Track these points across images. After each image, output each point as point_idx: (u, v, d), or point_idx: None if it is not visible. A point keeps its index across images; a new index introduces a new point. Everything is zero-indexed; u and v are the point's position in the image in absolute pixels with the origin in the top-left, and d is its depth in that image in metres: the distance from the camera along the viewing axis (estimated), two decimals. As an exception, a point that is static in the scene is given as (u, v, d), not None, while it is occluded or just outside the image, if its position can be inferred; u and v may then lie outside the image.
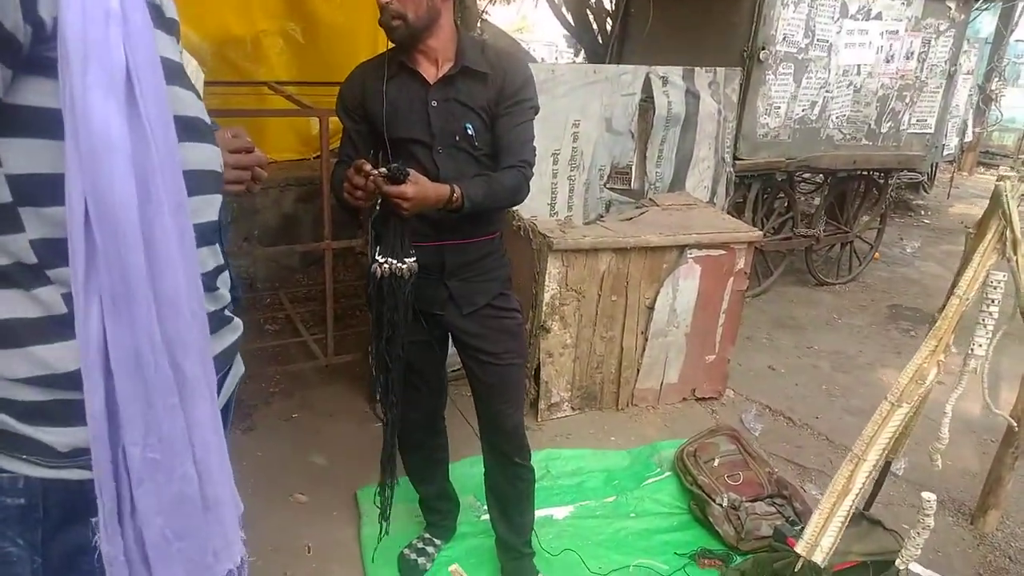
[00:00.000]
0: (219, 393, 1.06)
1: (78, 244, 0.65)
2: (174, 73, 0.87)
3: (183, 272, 0.73)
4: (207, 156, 0.96)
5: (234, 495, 0.87)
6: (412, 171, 1.63)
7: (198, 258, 0.93)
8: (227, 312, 1.07)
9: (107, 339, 0.68)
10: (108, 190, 0.63)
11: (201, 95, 2.13)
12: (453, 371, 2.70)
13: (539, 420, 3.16)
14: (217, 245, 1.02)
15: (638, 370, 3.29)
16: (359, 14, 4.63)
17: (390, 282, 1.71)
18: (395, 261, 1.70)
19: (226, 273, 1.09)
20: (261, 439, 2.96)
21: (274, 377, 3.41)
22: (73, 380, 0.74)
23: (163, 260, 0.69)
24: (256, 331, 3.94)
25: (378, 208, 1.68)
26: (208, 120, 1.01)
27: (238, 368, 1.14)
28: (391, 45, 1.78)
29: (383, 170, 1.59)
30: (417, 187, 1.62)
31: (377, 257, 1.72)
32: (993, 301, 1.63)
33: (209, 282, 0.98)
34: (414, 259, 1.72)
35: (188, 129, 0.90)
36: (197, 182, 0.92)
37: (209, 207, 0.97)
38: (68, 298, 0.76)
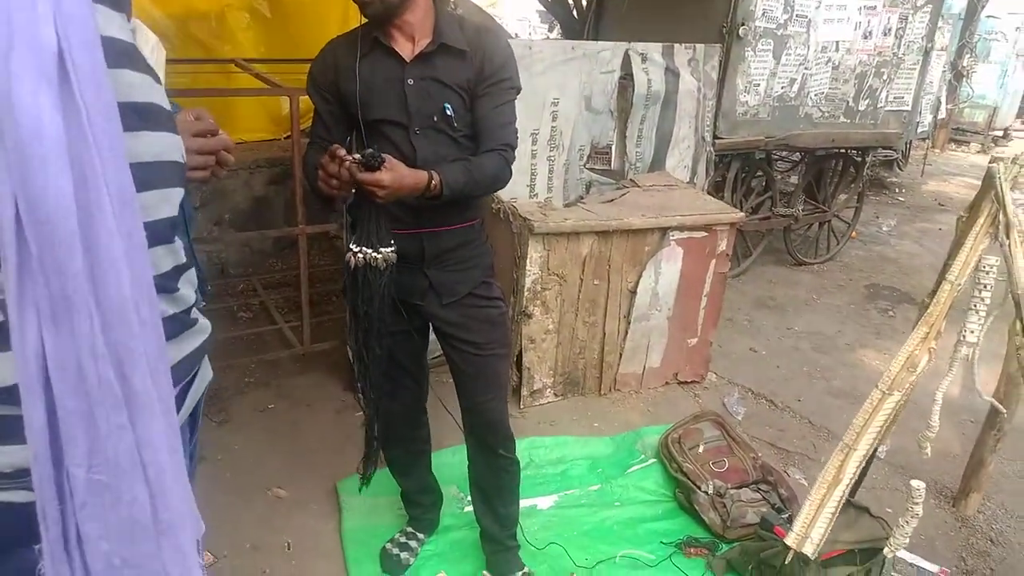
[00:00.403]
0: (184, 402, 0.99)
1: (9, 250, 0.58)
2: (122, 54, 0.79)
3: (129, 277, 0.66)
4: (164, 146, 0.88)
5: (193, 517, 0.80)
6: (388, 157, 1.56)
7: (151, 259, 0.86)
8: (192, 314, 0.99)
9: (46, 351, 0.61)
10: (41, 190, 0.55)
11: (162, 75, 2.01)
12: (434, 358, 2.64)
13: (521, 407, 3.12)
14: (177, 242, 0.94)
15: (620, 355, 3.25)
16: (329, -11, 4.49)
17: (364, 272, 1.65)
18: (370, 250, 1.64)
19: (191, 271, 1.01)
20: (237, 431, 2.88)
21: (249, 366, 3.32)
22: (12, 395, 0.67)
23: (106, 265, 0.62)
24: (229, 319, 3.84)
25: (353, 195, 1.61)
26: (167, 105, 0.92)
27: (205, 373, 1.07)
28: (364, 20, 1.69)
29: (357, 156, 1.51)
30: (393, 174, 1.55)
31: (352, 246, 1.65)
32: (985, 286, 1.60)
33: (167, 283, 0.91)
34: (391, 248, 1.66)
35: (140, 116, 0.82)
36: (151, 175, 0.84)
37: (165, 202, 0.89)
38: (3, 306, 0.69)
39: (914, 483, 1.67)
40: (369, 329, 1.72)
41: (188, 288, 0.98)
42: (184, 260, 0.97)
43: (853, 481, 1.69)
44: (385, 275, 1.66)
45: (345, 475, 2.59)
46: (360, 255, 1.64)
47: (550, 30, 8.12)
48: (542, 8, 6.60)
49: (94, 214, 0.60)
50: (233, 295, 4.12)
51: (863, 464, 1.72)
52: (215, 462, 2.68)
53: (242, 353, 3.40)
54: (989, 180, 1.59)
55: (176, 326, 0.92)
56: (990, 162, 1.60)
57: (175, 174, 0.91)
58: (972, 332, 1.60)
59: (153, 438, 0.71)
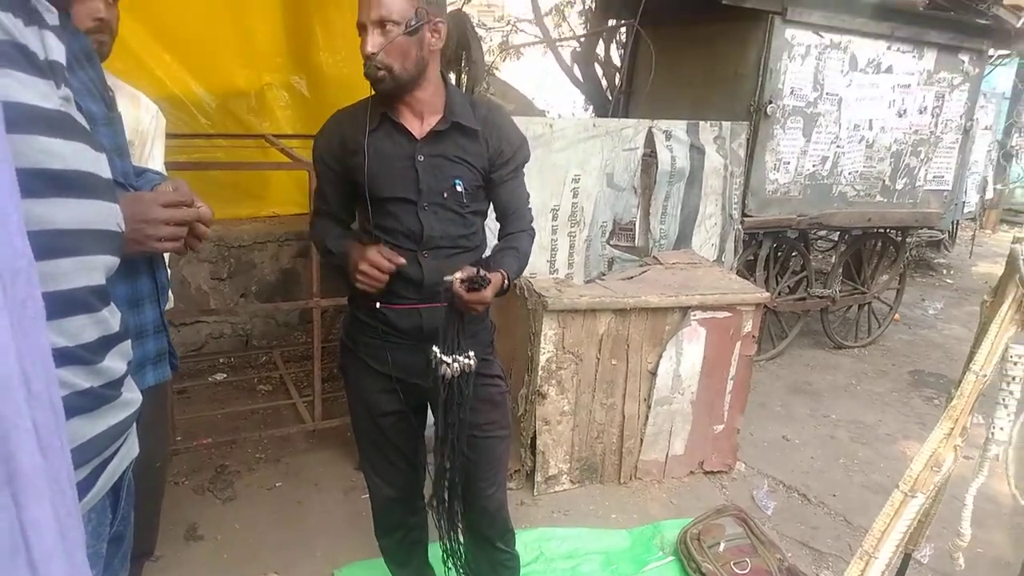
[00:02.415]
0: (97, 481, 0.92)
1: None
2: (40, 121, 0.77)
3: (15, 350, 0.61)
4: (90, 214, 0.85)
5: None
6: (487, 275, 1.60)
7: (63, 329, 0.81)
8: (120, 388, 0.94)
9: None
10: None
11: (161, 141, 2.04)
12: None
13: (535, 494, 2.97)
14: (105, 312, 0.89)
15: (641, 440, 3.09)
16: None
17: (459, 381, 1.65)
18: (462, 358, 1.65)
19: (125, 344, 0.96)
20: (241, 509, 2.80)
21: (261, 442, 3.27)
22: None
23: None
24: (248, 392, 3.82)
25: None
26: (105, 174, 0.90)
27: (130, 449, 1.01)
28: (373, 93, 1.70)
29: (460, 276, 1.57)
30: (492, 287, 1.61)
31: (442, 356, 1.64)
32: (1014, 379, 1.46)
33: (86, 355, 0.86)
34: (473, 353, 1.67)
35: (60, 184, 0.80)
36: (70, 243, 0.81)
37: (88, 270, 0.85)
38: None
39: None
40: (460, 437, 1.71)
41: (118, 360, 0.93)
42: (116, 331, 0.92)
43: (877, 593, 1.51)
44: (472, 378, 1.67)
45: (344, 562, 2.48)
46: (456, 364, 1.64)
47: (585, 110, 8.27)
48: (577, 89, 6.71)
49: None
50: (254, 367, 4.11)
51: (893, 572, 1.55)
52: (214, 541, 2.60)
53: (256, 428, 3.37)
54: (1013, 262, 1.47)
55: (91, 400, 0.87)
56: (1013, 242, 1.48)
57: (103, 243, 0.88)
58: (1002, 429, 1.44)
59: (39, 519, 0.65)
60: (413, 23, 1.58)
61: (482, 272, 1.58)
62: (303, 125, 4.69)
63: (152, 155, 1.92)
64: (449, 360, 1.63)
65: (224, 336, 4.20)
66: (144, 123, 1.88)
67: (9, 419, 0.61)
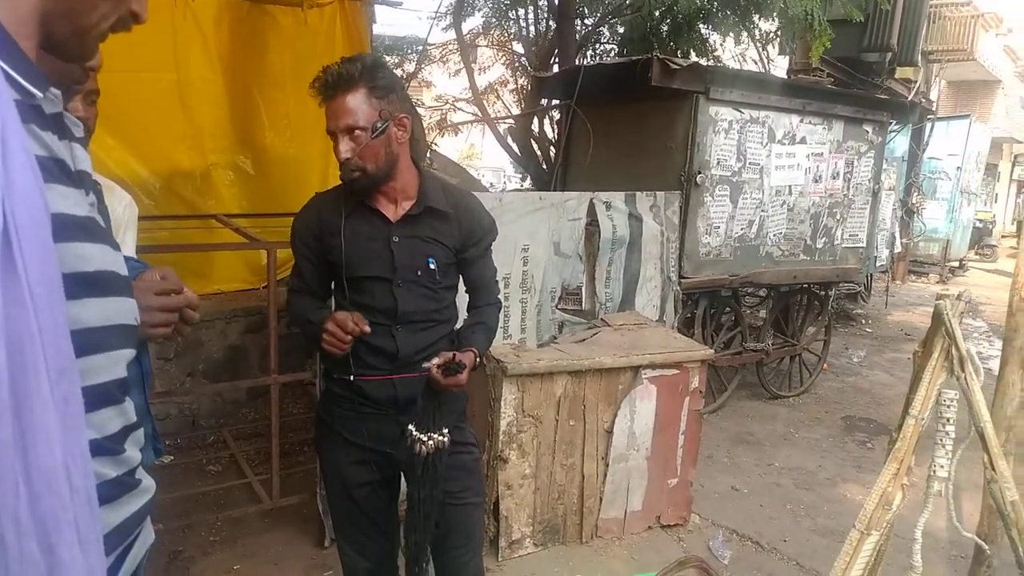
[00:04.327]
0: (121, 568, 0.95)
1: None
2: (77, 228, 0.83)
3: (61, 445, 0.66)
4: (114, 311, 0.90)
5: None
6: (461, 359, 1.70)
7: (93, 423, 0.85)
8: (136, 475, 0.98)
9: None
10: None
11: (134, 230, 2.07)
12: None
13: (500, 559, 2.99)
14: (127, 402, 0.94)
15: (601, 498, 3.17)
16: (310, 146, 4.73)
17: (433, 458, 1.73)
18: (437, 435, 1.72)
19: (139, 431, 1.00)
20: (198, 597, 2.71)
21: (215, 524, 3.18)
22: None
23: (38, 433, 0.62)
24: (197, 473, 3.72)
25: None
26: (123, 271, 0.95)
27: (146, 537, 1.03)
28: None
29: (436, 362, 1.67)
30: (468, 368, 1.72)
31: (417, 434, 1.72)
32: (948, 420, 1.63)
33: (113, 446, 0.90)
34: (448, 430, 1.75)
35: (90, 285, 0.85)
36: (99, 339, 0.86)
37: (115, 364, 0.90)
38: None
39: (905, 629, 1.61)
40: (430, 514, 1.77)
41: (134, 448, 0.97)
42: (133, 420, 0.97)
43: (842, 629, 1.62)
44: (445, 455, 1.75)
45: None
46: (431, 442, 1.71)
47: (523, 179, 8.56)
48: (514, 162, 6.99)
49: (29, 383, 0.61)
50: (203, 447, 4.01)
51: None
52: (173, 632, 2.51)
53: (208, 510, 3.27)
54: (938, 317, 1.66)
55: (117, 489, 0.91)
56: (937, 299, 1.67)
57: (125, 337, 0.93)
58: (942, 467, 1.60)
59: None
60: (379, 126, 1.69)
61: (457, 357, 1.69)
62: (249, 204, 4.73)
63: (125, 242, 1.94)
64: (424, 438, 1.70)
65: (170, 416, 4.10)
66: (118, 212, 1.91)
67: (54, 513, 0.65)
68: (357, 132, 1.67)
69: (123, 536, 0.94)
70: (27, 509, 0.61)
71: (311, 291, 1.91)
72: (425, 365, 1.67)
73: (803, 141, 4.67)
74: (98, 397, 0.87)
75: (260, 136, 4.73)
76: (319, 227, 1.82)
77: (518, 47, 7.81)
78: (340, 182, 1.80)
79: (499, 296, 2.01)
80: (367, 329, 1.70)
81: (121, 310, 0.93)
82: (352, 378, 1.81)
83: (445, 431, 1.73)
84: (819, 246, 4.97)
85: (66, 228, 0.81)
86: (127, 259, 1.54)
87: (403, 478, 1.94)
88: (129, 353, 0.95)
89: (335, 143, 1.70)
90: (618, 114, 4.73)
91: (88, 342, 0.84)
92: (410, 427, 1.72)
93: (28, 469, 0.61)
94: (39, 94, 0.75)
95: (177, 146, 4.41)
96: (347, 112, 1.66)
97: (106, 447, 0.89)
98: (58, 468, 0.64)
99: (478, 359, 1.81)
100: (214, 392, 4.22)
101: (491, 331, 1.94)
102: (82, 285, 0.83)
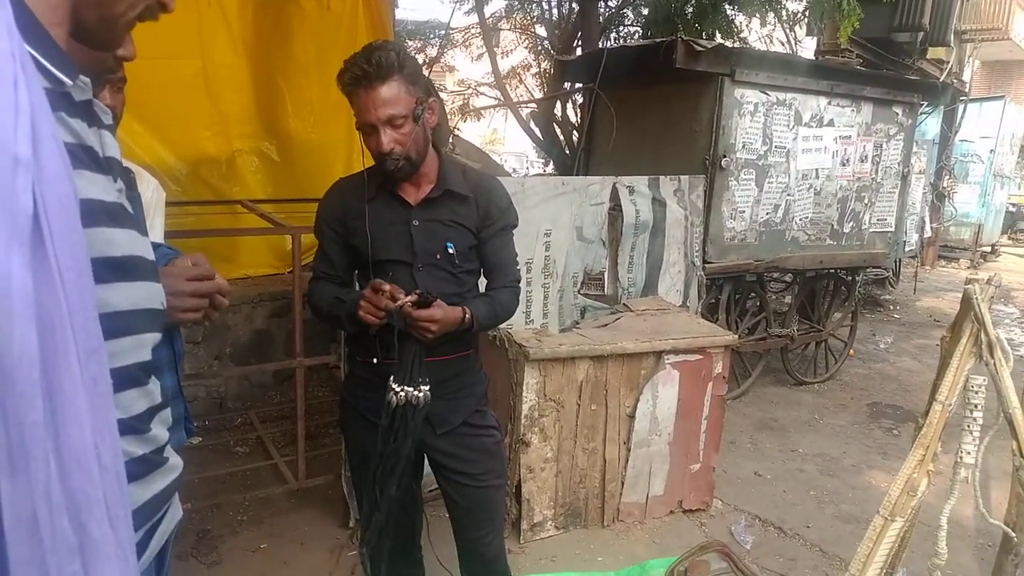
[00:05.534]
0: (149, 544, 0.97)
1: None
2: (103, 213, 0.85)
3: (91, 424, 0.67)
4: (141, 295, 0.92)
5: None
6: (433, 294, 1.67)
7: (119, 403, 0.87)
8: (164, 453, 1.00)
9: (1, 501, 0.62)
10: (6, 345, 0.58)
11: (161, 214, 2.10)
12: (430, 491, 2.58)
13: (521, 542, 3.01)
14: (151, 384, 0.97)
15: (622, 483, 3.18)
16: (333, 131, 4.76)
17: (404, 411, 1.70)
18: (411, 389, 1.70)
19: (166, 411, 1.03)
20: (226, 574, 2.77)
21: (243, 504, 3.25)
22: None
23: (68, 413, 0.64)
24: (225, 455, 3.79)
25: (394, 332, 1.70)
26: (150, 256, 0.97)
27: (174, 512, 1.06)
28: (368, 163, 1.79)
29: (412, 297, 1.63)
30: (443, 310, 1.67)
31: (392, 384, 1.70)
32: (976, 406, 1.61)
33: (138, 425, 0.93)
34: (428, 387, 1.72)
35: (118, 270, 0.87)
36: (126, 323, 0.88)
37: (140, 347, 0.93)
38: None
39: (929, 615, 1.60)
40: (395, 466, 1.74)
41: (161, 428, 0.99)
42: (159, 401, 0.99)
43: (865, 614, 1.61)
44: (422, 413, 1.72)
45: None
46: (402, 393, 1.69)
47: (545, 164, 8.53)
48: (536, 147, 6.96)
49: (60, 364, 0.62)
50: (230, 429, 4.08)
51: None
52: (202, 609, 2.57)
53: (236, 491, 3.34)
54: (967, 301, 1.63)
55: (144, 467, 0.94)
56: (966, 283, 1.64)
57: (152, 321, 0.95)
58: (968, 453, 1.58)
59: None
60: (418, 111, 1.69)
61: (429, 293, 1.66)
62: (274, 189, 4.77)
63: (153, 226, 1.98)
64: (396, 388, 1.69)
65: (198, 399, 4.17)
66: (146, 197, 1.94)
67: (84, 491, 0.67)
68: (399, 121, 1.66)
69: (151, 512, 0.97)
70: (58, 487, 0.63)
71: (336, 277, 1.93)
72: (399, 302, 1.63)
73: (831, 124, 4.59)
74: (124, 379, 0.90)
75: (284, 122, 4.76)
76: (344, 211, 1.84)
77: (541, 30, 7.78)
78: (362, 168, 1.82)
79: (516, 280, 1.97)
80: (401, 292, 1.67)
81: (148, 295, 0.95)
82: (376, 361, 1.83)
83: (424, 388, 1.70)
84: (846, 231, 4.90)
85: (94, 214, 0.83)
86: (159, 245, 1.58)
87: (425, 458, 1.98)
88: (154, 337, 0.97)
89: (373, 137, 1.68)
90: (642, 97, 4.68)
91: (116, 326, 0.86)
92: (391, 379, 1.72)
93: (59, 448, 0.63)
94: (69, 82, 0.76)
95: (203, 132, 4.46)
96: (386, 102, 1.64)
97: (132, 426, 0.92)
98: (88, 447, 0.66)
99: (469, 319, 1.76)
100: (241, 375, 4.28)
101: (498, 304, 1.88)
102: (110, 269, 0.85)
